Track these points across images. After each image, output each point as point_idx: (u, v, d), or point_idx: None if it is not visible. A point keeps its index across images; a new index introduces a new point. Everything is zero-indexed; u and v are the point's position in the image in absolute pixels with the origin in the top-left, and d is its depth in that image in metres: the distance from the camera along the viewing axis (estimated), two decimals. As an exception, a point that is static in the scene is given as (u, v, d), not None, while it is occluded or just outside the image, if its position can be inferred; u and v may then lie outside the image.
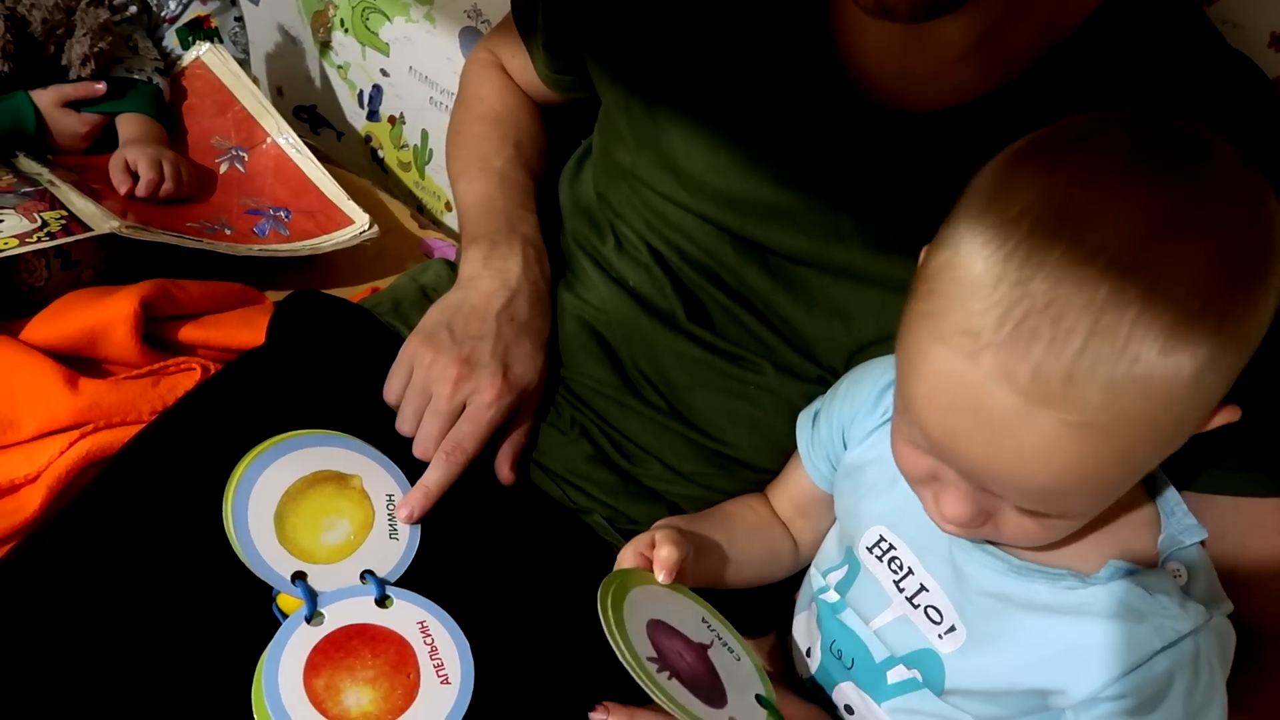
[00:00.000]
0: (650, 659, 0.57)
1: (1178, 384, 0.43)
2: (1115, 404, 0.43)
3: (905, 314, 0.50)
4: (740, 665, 0.63)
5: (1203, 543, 0.55)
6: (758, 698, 0.61)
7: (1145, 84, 0.59)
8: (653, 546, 0.63)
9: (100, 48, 1.09)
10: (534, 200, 0.82)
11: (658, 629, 0.60)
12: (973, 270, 0.45)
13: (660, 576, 0.61)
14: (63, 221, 0.92)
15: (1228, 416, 0.49)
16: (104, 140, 1.12)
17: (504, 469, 0.72)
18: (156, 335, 0.91)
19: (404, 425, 0.72)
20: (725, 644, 0.63)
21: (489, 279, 0.74)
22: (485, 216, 0.79)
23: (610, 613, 0.57)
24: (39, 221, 0.91)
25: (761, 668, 0.64)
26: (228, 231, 1.08)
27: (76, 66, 1.09)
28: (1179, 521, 0.55)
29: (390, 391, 0.73)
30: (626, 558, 0.63)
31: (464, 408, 0.71)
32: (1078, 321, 0.43)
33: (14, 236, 0.88)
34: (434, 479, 0.68)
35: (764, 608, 0.75)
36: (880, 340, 0.66)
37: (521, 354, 0.72)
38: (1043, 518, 0.51)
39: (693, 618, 0.63)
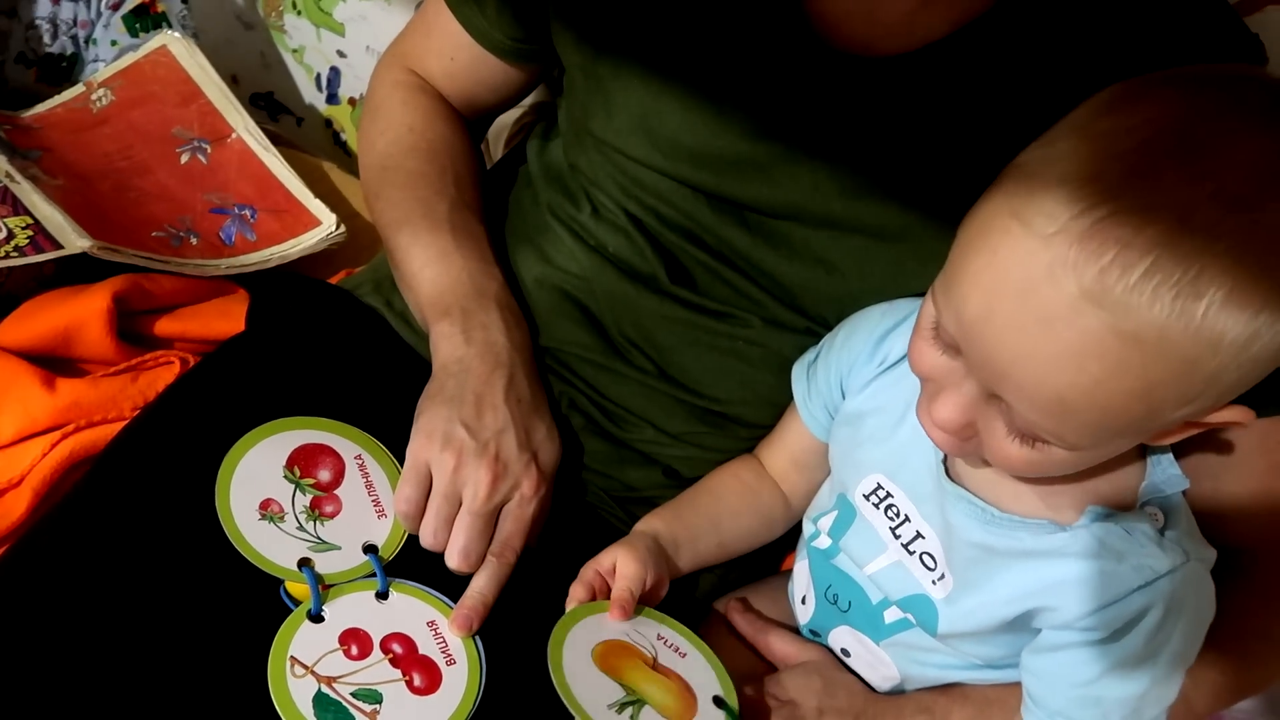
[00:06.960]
0: (611, 704, 0.59)
1: (1228, 338, 0.42)
2: (1165, 330, 0.42)
3: (983, 197, 0.48)
4: (696, 670, 0.64)
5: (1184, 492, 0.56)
6: (715, 699, 0.63)
7: (1108, 14, 0.59)
8: (611, 570, 0.65)
9: None
10: (489, 247, 0.76)
11: (609, 651, 0.62)
12: (1075, 160, 0.44)
13: (615, 615, 0.63)
14: (30, 234, 0.89)
15: (1238, 415, 0.48)
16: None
17: (531, 541, 0.69)
18: (131, 330, 0.89)
19: (430, 537, 0.66)
20: (678, 650, 0.65)
21: (479, 358, 0.68)
22: (447, 281, 0.72)
23: (556, 671, 0.59)
24: (4, 231, 0.89)
25: (721, 669, 0.65)
26: (194, 240, 1.06)
27: None
28: (1163, 471, 0.55)
29: (405, 500, 0.66)
30: (578, 593, 0.65)
31: (501, 507, 0.67)
32: (1162, 236, 0.41)
33: None
34: (488, 584, 0.64)
35: (762, 556, 0.76)
36: (869, 292, 0.66)
37: (542, 437, 0.69)
38: (1034, 444, 0.49)
39: (643, 632, 0.65)
